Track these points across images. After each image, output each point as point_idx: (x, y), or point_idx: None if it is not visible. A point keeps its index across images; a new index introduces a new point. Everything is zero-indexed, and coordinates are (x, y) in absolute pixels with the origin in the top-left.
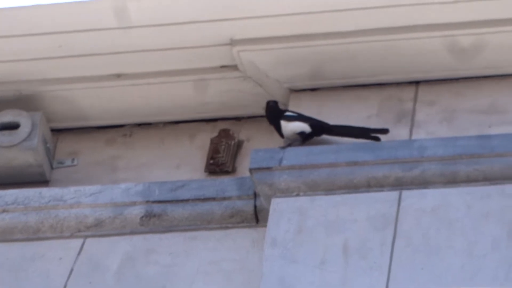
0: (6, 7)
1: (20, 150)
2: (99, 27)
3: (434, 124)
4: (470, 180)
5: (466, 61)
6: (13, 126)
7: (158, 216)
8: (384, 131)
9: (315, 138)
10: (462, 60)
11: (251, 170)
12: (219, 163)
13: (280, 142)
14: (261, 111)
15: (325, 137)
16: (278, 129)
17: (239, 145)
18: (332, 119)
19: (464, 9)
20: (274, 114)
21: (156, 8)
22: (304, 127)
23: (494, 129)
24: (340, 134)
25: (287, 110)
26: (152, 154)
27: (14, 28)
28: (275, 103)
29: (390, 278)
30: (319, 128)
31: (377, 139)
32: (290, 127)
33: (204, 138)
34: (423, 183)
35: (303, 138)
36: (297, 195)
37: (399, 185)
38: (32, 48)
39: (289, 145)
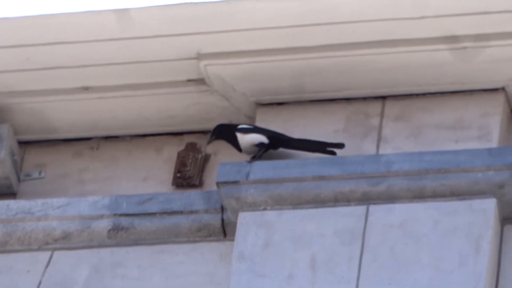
0: None
1: None
2: (66, 40)
3: (400, 139)
4: (437, 195)
5: (433, 77)
6: None
7: (126, 229)
8: (340, 145)
9: (279, 152)
10: (428, 75)
11: (218, 183)
12: (186, 176)
13: (247, 156)
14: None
15: (288, 151)
16: (234, 142)
17: (206, 158)
18: (298, 133)
19: (430, 24)
20: (227, 129)
21: (122, 21)
22: (262, 138)
23: (461, 145)
24: (297, 148)
25: (239, 124)
26: (119, 167)
27: None
28: (221, 125)
29: None
30: (276, 140)
31: (333, 153)
32: (247, 139)
33: (171, 151)
34: (390, 197)
35: (262, 150)
36: (264, 209)
37: (366, 199)
38: None
39: (253, 157)
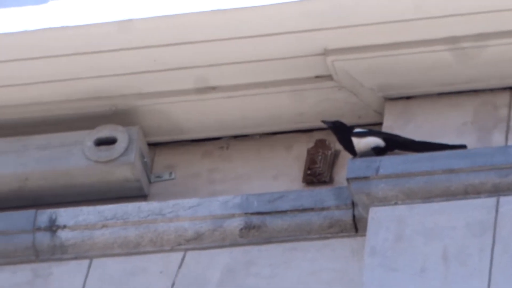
0: (98, 23)
1: (117, 165)
2: (192, 40)
3: None
4: None
5: None
6: (110, 141)
7: (257, 227)
8: (462, 146)
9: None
10: None
11: (348, 179)
12: (316, 173)
13: None
14: (358, 120)
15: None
16: (349, 147)
17: (335, 155)
18: (427, 127)
19: None
20: (342, 133)
21: (249, 19)
22: (378, 141)
23: None
24: (413, 149)
25: (355, 127)
26: (249, 166)
27: (108, 44)
28: (340, 122)
29: (491, 284)
30: (392, 142)
31: (464, 146)
32: (364, 142)
33: (300, 148)
34: None
35: (377, 153)
36: (395, 203)
37: (496, 191)
38: (127, 63)
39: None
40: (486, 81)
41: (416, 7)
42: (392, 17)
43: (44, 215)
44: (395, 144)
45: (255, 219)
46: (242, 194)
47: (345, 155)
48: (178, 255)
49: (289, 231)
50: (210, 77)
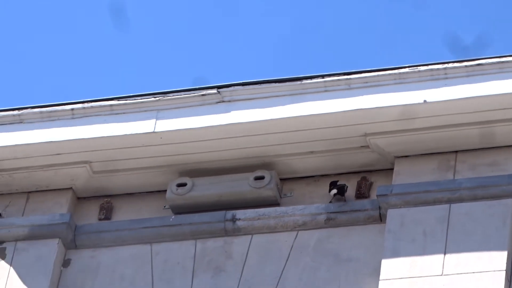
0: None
1: (266, 189)
2: None
3: None
4: None
5: None
6: (261, 178)
7: (333, 219)
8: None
9: None
10: None
11: (377, 195)
12: (362, 193)
13: None
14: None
15: None
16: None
17: (370, 184)
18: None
19: None
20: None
21: None
22: (334, 191)
23: None
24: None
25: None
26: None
27: None
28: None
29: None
30: (342, 190)
31: None
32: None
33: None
34: None
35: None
36: (400, 207)
37: None
38: None
39: None
40: None
41: None
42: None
43: (229, 214)
44: (342, 190)
45: (333, 216)
46: None
47: (375, 184)
48: None
49: (351, 220)
50: None
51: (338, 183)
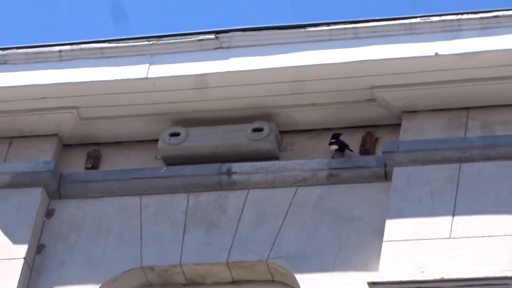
0: None
1: (263, 142)
2: None
3: None
4: None
5: None
6: (260, 129)
7: (338, 176)
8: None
9: None
10: None
11: (383, 152)
12: (366, 148)
13: None
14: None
15: None
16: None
17: (376, 139)
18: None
19: None
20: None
21: None
22: (335, 147)
23: None
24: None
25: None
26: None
27: None
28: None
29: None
30: (343, 146)
31: None
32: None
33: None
34: None
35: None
36: (406, 165)
37: None
38: None
39: None
40: None
41: None
42: None
43: (224, 167)
44: (344, 147)
45: (335, 172)
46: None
47: (381, 140)
48: None
49: (354, 178)
50: None
51: (340, 138)
